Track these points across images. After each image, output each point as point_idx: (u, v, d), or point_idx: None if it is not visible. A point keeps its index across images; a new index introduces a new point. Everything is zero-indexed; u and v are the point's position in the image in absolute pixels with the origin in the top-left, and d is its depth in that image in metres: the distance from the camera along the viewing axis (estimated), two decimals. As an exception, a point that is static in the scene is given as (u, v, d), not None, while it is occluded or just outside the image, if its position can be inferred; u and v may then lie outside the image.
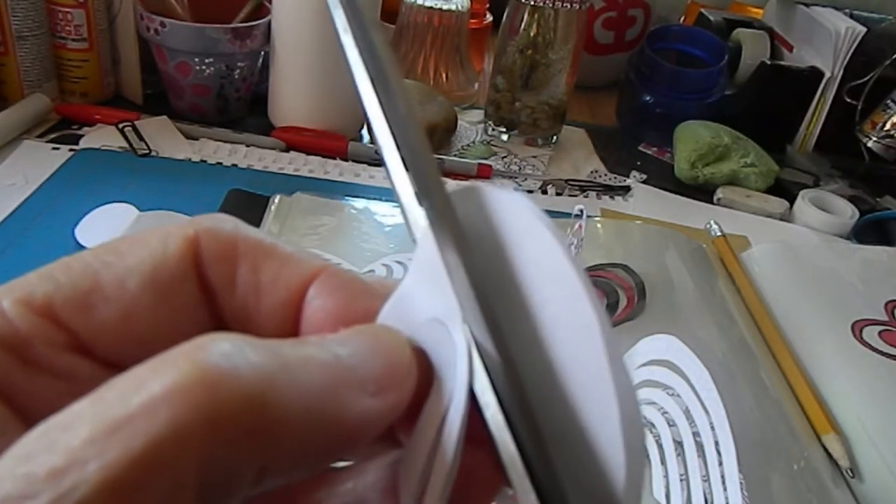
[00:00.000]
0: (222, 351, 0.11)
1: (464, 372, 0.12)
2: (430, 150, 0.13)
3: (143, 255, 0.15)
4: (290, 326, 0.16)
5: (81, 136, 0.62)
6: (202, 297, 0.15)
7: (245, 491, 0.11)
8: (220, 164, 0.62)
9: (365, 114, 0.14)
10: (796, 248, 0.60)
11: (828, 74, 0.78)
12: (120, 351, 0.14)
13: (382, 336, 0.14)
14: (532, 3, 0.68)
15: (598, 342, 0.10)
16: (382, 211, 0.56)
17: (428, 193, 0.12)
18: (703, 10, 0.91)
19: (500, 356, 0.12)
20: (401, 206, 0.14)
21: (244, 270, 0.15)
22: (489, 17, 0.88)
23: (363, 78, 0.14)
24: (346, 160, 0.66)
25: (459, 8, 0.76)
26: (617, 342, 0.10)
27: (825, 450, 0.42)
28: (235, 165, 0.62)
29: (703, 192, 0.72)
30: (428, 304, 0.13)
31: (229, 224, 0.15)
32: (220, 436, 0.10)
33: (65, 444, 0.10)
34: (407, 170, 0.14)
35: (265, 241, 0.15)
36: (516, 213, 0.12)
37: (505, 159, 0.72)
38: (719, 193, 0.71)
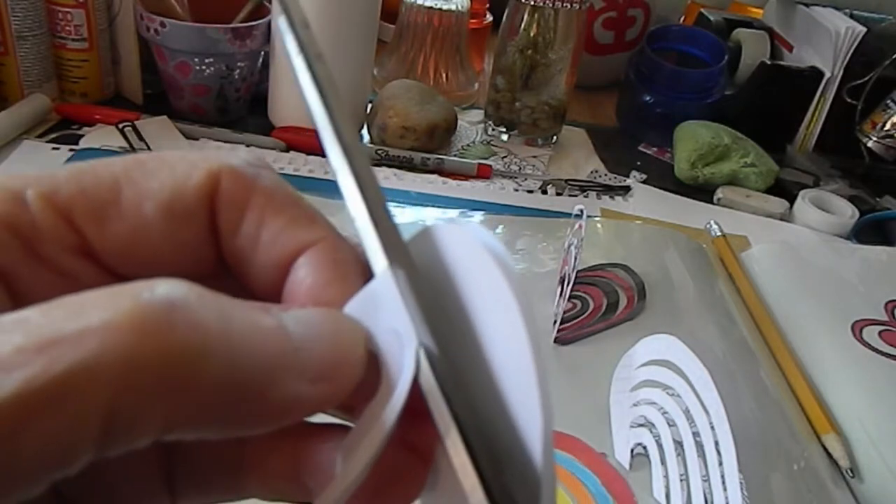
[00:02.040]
0: (168, 298, 0.11)
1: (410, 366, 0.13)
2: (378, 186, 0.15)
3: (165, 181, 0.15)
4: (277, 289, 0.15)
5: (81, 136, 0.62)
6: (210, 235, 0.15)
7: (148, 438, 0.11)
8: (220, 164, 0.61)
9: (322, 148, 0.15)
10: (796, 248, 0.60)
11: (828, 74, 0.78)
12: (125, 264, 0.15)
13: (342, 328, 0.14)
14: (532, 3, 0.68)
15: (528, 355, 0.12)
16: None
17: (384, 241, 0.14)
18: (703, 10, 0.91)
19: (442, 359, 0.13)
20: (361, 237, 0.15)
21: (249, 221, 0.15)
22: (489, 17, 0.88)
23: (318, 110, 0.15)
24: (346, 160, 0.66)
25: (459, 8, 0.76)
26: (542, 356, 0.12)
27: (825, 450, 0.42)
28: (235, 165, 0.62)
29: (703, 192, 0.72)
30: (389, 313, 0.14)
31: (252, 169, 0.15)
32: (134, 382, 0.10)
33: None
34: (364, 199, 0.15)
35: (281, 195, 0.15)
36: (467, 246, 0.13)
37: (505, 159, 0.72)
38: (719, 193, 0.71)
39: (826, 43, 0.78)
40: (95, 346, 0.10)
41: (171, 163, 0.15)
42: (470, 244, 0.13)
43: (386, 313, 0.14)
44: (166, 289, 0.11)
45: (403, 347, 0.13)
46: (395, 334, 0.14)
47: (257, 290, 0.16)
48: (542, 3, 0.68)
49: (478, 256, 0.13)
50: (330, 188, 0.70)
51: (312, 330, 0.13)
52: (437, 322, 0.13)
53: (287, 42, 0.16)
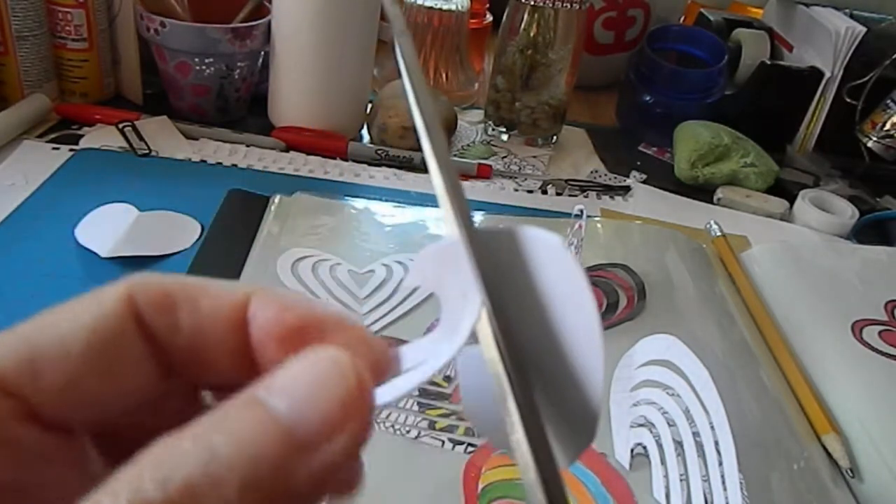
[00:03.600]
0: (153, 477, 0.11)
1: (475, 311, 0.14)
2: (452, 166, 0.16)
3: (78, 319, 0.15)
4: (242, 353, 0.15)
5: (81, 136, 0.62)
6: (147, 349, 0.15)
7: None
8: (220, 164, 0.62)
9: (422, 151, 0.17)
10: (796, 248, 0.60)
11: (828, 74, 0.78)
12: (68, 413, 0.14)
13: (320, 372, 0.13)
14: (532, 3, 0.68)
15: (596, 326, 0.15)
16: (382, 211, 0.56)
17: (456, 212, 0.15)
18: (703, 10, 0.91)
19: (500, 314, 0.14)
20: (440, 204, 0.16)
21: (185, 314, 0.15)
22: (489, 17, 0.88)
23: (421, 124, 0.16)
24: (346, 160, 0.66)
25: (459, 8, 0.76)
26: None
27: (825, 450, 0.42)
28: (235, 165, 0.62)
29: (703, 192, 0.72)
30: (456, 275, 0.15)
31: (155, 277, 0.16)
32: None
33: None
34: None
35: (194, 282, 0.16)
36: (542, 240, 0.15)
37: (505, 159, 0.72)
38: (719, 193, 0.71)
39: (826, 43, 0.78)
40: None
41: (77, 304, 0.15)
42: (544, 239, 0.15)
43: (453, 275, 0.15)
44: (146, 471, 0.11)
45: (468, 301, 0.14)
46: (461, 293, 0.15)
47: (222, 367, 0.16)
48: (542, 3, 0.68)
49: (553, 249, 0.15)
50: (329, 188, 0.70)
51: (296, 394, 0.13)
52: (500, 287, 0.14)
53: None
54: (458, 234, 0.15)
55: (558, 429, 0.15)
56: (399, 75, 0.18)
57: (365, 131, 0.71)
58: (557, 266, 0.15)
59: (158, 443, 0.12)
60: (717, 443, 0.39)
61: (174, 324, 0.15)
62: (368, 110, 0.71)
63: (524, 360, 0.14)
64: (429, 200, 0.60)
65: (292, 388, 0.13)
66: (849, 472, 0.40)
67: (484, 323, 0.14)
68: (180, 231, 0.51)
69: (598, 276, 0.51)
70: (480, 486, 0.36)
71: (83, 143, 0.61)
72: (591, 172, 0.72)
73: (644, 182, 0.72)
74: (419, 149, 0.73)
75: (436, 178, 0.15)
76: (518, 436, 0.13)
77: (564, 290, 0.15)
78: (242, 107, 0.70)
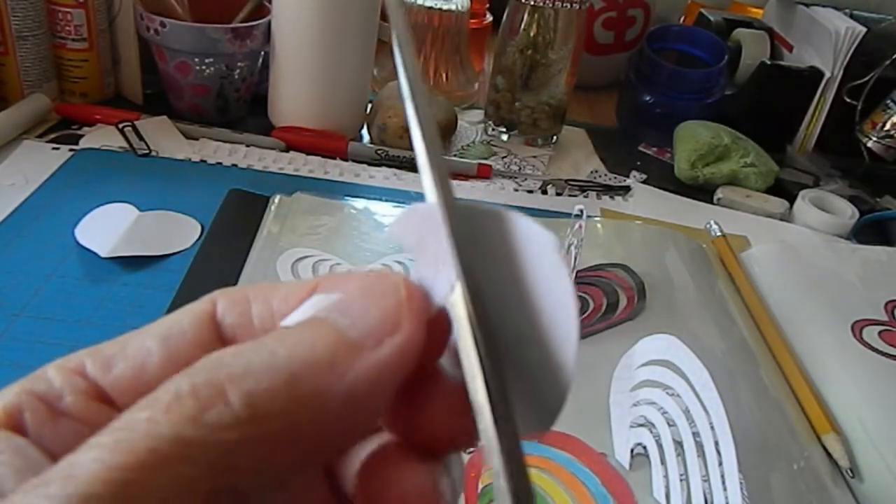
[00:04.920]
0: (221, 363, 0.12)
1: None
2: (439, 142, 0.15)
3: (164, 321, 0.16)
4: None
5: (81, 136, 0.62)
6: (216, 346, 0.16)
7: (276, 490, 0.12)
8: (220, 164, 0.62)
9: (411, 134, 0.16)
10: (796, 248, 0.60)
11: (828, 74, 0.78)
12: (134, 399, 0.16)
13: (370, 284, 0.14)
14: (532, 3, 0.68)
15: (572, 305, 0.14)
16: (382, 211, 0.56)
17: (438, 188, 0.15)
18: (703, 10, 0.91)
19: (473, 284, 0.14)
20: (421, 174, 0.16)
21: (257, 306, 0.16)
22: (489, 17, 0.88)
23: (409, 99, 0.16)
24: (346, 160, 0.66)
25: (459, 8, 0.76)
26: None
27: (825, 450, 0.42)
28: (235, 165, 0.62)
29: (703, 192, 0.72)
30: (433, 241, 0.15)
31: (238, 287, 0.17)
32: (222, 453, 0.11)
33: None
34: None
35: (269, 285, 0.17)
36: (524, 226, 0.15)
37: (505, 159, 0.72)
38: (719, 193, 0.71)
39: (826, 43, 0.78)
40: (165, 431, 0.11)
41: (173, 313, 0.17)
42: (525, 225, 0.15)
43: (433, 239, 0.15)
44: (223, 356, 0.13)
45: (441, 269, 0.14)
46: (435, 259, 0.15)
47: None
48: (542, 3, 0.68)
49: (532, 233, 0.15)
50: (329, 188, 0.70)
51: (346, 306, 0.14)
52: (475, 259, 0.14)
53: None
54: (437, 198, 0.15)
55: (526, 405, 0.15)
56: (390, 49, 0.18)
57: (365, 131, 0.71)
58: (538, 251, 0.15)
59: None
60: (717, 443, 0.39)
61: (247, 317, 0.16)
62: (368, 110, 0.71)
63: (493, 330, 0.14)
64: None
65: (337, 303, 0.14)
66: (849, 472, 0.40)
67: (458, 295, 0.14)
68: (180, 231, 0.51)
69: (598, 276, 0.51)
70: (480, 486, 0.36)
71: (83, 143, 0.61)
72: (591, 172, 0.72)
73: (644, 182, 0.72)
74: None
75: (417, 141, 0.15)
76: (480, 398, 0.13)
77: (542, 272, 0.14)
78: (242, 107, 0.70)
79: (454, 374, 0.15)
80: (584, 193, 0.68)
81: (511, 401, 0.13)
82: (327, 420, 0.13)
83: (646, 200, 0.69)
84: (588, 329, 0.47)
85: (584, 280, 0.50)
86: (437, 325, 0.14)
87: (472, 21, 0.83)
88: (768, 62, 0.80)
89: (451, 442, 0.15)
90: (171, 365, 0.15)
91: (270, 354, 0.13)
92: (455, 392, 0.14)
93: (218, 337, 0.16)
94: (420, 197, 0.15)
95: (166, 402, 0.12)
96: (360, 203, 0.56)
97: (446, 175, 0.15)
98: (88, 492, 0.11)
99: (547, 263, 0.14)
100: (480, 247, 0.14)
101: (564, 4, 0.68)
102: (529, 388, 0.14)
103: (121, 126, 0.62)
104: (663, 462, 0.38)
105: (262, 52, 0.68)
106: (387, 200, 0.58)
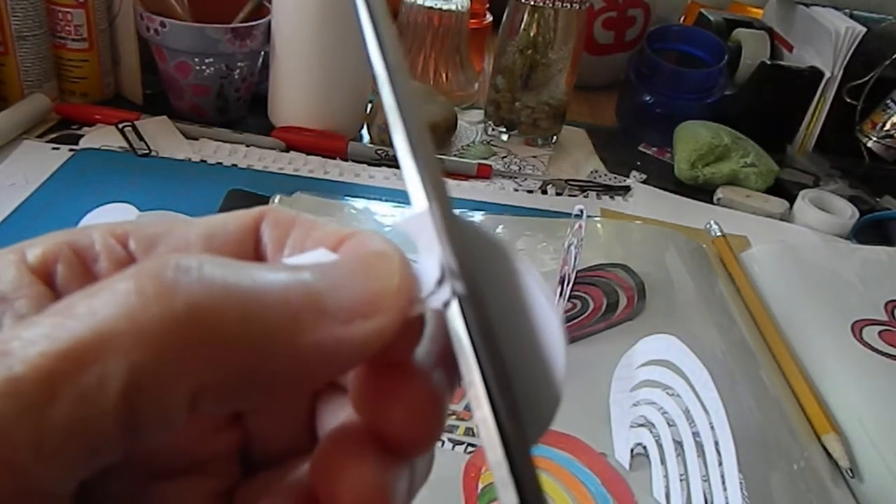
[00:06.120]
0: (172, 265, 0.12)
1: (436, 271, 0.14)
2: (429, 141, 0.15)
3: (212, 219, 0.16)
4: None
5: (81, 136, 0.62)
6: (250, 256, 0.16)
7: (177, 413, 0.11)
8: (220, 164, 0.62)
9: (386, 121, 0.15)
10: (796, 248, 0.60)
11: (828, 74, 0.78)
12: None
13: (369, 261, 0.14)
14: (532, 3, 0.68)
15: (558, 325, 0.14)
16: (382, 211, 0.56)
17: (433, 194, 0.14)
18: (703, 10, 0.91)
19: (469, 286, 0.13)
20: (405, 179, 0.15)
21: (296, 234, 0.16)
22: (489, 17, 0.88)
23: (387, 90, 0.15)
24: (346, 160, 0.66)
25: (459, 8, 0.76)
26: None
27: (825, 450, 0.42)
28: (235, 165, 0.62)
29: (703, 192, 0.72)
30: (425, 250, 0.15)
31: (290, 211, 0.17)
32: (145, 345, 0.11)
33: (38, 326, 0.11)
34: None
35: (320, 221, 0.17)
36: (516, 259, 0.15)
37: (505, 159, 0.72)
38: (719, 193, 0.71)
39: (826, 43, 0.78)
40: (105, 313, 0.11)
41: (224, 214, 0.17)
42: (513, 252, 0.15)
43: (422, 251, 0.14)
44: (172, 256, 0.12)
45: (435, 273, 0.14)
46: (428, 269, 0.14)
47: None
48: (542, 3, 0.68)
49: (520, 259, 0.15)
50: (329, 188, 0.70)
51: (337, 270, 0.13)
52: (468, 266, 0.14)
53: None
54: (434, 206, 0.14)
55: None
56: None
57: (365, 131, 0.71)
58: (525, 271, 0.15)
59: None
60: (717, 443, 0.39)
61: (281, 242, 0.16)
62: (368, 110, 0.71)
63: (495, 341, 0.13)
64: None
65: (331, 266, 0.14)
66: (849, 472, 0.40)
67: (454, 310, 0.13)
68: (180, 231, 0.51)
69: (598, 276, 0.51)
70: (480, 486, 0.36)
71: (83, 143, 0.61)
72: (591, 172, 0.72)
73: (644, 182, 0.72)
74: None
75: (404, 153, 0.15)
76: (484, 412, 0.12)
77: (531, 292, 0.14)
78: (242, 107, 0.70)
79: (429, 372, 0.14)
80: (584, 193, 0.68)
81: (519, 414, 0.13)
82: (263, 364, 0.12)
83: (646, 200, 0.69)
84: (588, 329, 0.47)
85: (584, 280, 0.50)
86: (413, 326, 0.14)
87: (472, 21, 0.83)
88: (768, 62, 0.80)
89: (411, 441, 0.14)
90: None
91: (247, 279, 0.12)
92: (422, 392, 0.14)
93: (255, 248, 0.16)
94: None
95: (120, 291, 0.11)
96: (360, 203, 0.56)
97: (438, 172, 0.14)
98: (16, 374, 0.10)
99: (533, 283, 0.14)
100: (477, 262, 0.14)
101: (564, 4, 0.68)
102: (523, 401, 0.14)
103: (121, 126, 0.62)
104: (663, 462, 0.38)
105: (262, 52, 0.68)
106: (387, 200, 0.58)
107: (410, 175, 0.14)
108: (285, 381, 0.13)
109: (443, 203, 0.14)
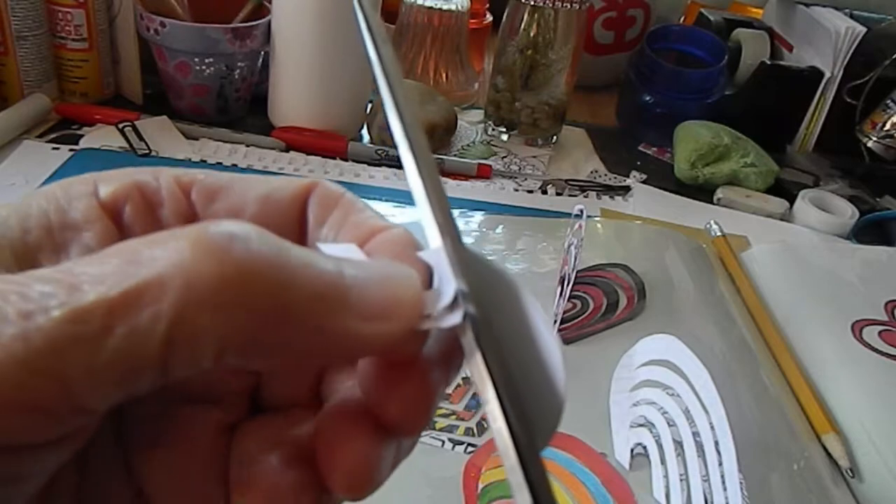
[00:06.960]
0: (229, 230, 0.13)
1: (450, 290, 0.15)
2: (437, 172, 0.16)
3: (270, 183, 0.18)
4: None
5: (81, 136, 0.62)
6: (295, 227, 0.18)
7: (206, 359, 0.13)
8: (220, 164, 0.62)
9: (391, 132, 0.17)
10: (796, 248, 0.60)
11: (828, 74, 0.78)
12: None
13: (396, 273, 0.15)
14: (532, 3, 0.68)
15: (554, 337, 0.15)
16: (382, 211, 0.56)
17: (443, 228, 0.16)
18: (703, 10, 0.91)
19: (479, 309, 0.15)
20: (420, 213, 0.16)
21: (337, 214, 0.18)
22: (489, 17, 0.88)
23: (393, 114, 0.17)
24: (346, 160, 0.66)
25: (459, 8, 0.76)
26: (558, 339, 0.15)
27: (825, 450, 0.42)
28: (235, 165, 0.62)
29: (703, 192, 0.72)
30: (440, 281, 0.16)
31: (341, 188, 0.18)
32: (193, 296, 0.12)
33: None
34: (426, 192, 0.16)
35: (362, 204, 0.18)
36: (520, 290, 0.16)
37: (505, 159, 0.72)
38: (719, 193, 0.71)
39: (826, 43, 0.78)
40: (162, 264, 0.12)
41: (280, 179, 0.18)
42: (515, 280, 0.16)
43: (438, 278, 0.16)
44: (229, 224, 0.13)
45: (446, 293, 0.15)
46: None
47: None
48: (542, 3, 0.68)
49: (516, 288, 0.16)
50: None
51: (367, 273, 0.14)
52: (479, 293, 0.15)
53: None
54: (443, 245, 0.15)
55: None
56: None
57: (365, 131, 0.71)
58: (525, 295, 0.16)
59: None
60: (717, 443, 0.39)
61: (323, 218, 0.18)
62: (368, 110, 0.71)
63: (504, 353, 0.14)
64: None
65: (365, 267, 0.15)
66: (849, 472, 0.40)
67: (469, 336, 0.14)
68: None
69: (598, 276, 0.51)
70: (480, 486, 0.36)
71: (83, 143, 0.61)
72: (591, 172, 0.72)
73: (644, 182, 0.72)
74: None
75: (415, 184, 0.16)
76: (499, 424, 0.13)
77: (532, 312, 0.16)
78: (242, 107, 0.70)
79: (429, 370, 0.16)
80: (584, 193, 0.68)
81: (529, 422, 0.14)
82: (287, 335, 0.13)
83: (646, 200, 0.69)
84: (588, 329, 0.47)
85: (584, 280, 0.50)
86: (420, 335, 0.15)
87: (472, 21, 0.83)
88: (768, 62, 0.80)
89: (403, 426, 0.15)
90: (260, 224, 0.16)
91: (290, 258, 0.13)
92: (420, 387, 0.15)
93: (299, 219, 0.18)
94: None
95: (179, 247, 0.12)
96: (360, 203, 0.56)
97: (447, 207, 0.16)
98: (83, 306, 0.12)
99: (533, 307, 0.16)
100: (486, 290, 0.15)
101: (564, 4, 0.68)
102: (531, 412, 0.15)
103: (121, 126, 0.62)
104: (663, 462, 0.38)
105: (262, 52, 0.68)
106: (387, 200, 0.58)
107: (422, 207, 0.16)
108: (301, 354, 0.14)
109: (454, 238, 0.15)
